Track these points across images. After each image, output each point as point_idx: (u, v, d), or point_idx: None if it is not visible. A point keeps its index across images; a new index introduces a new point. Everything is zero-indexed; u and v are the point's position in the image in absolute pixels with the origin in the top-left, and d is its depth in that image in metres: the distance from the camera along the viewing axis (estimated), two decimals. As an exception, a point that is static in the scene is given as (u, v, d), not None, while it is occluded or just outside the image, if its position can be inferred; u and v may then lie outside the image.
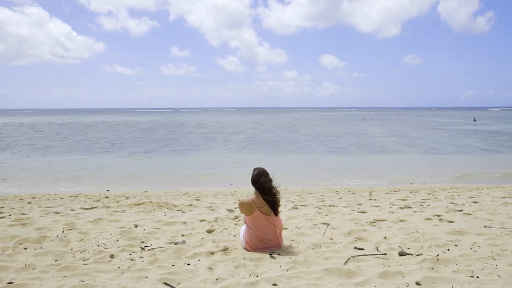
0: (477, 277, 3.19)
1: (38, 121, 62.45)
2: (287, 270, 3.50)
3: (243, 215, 4.51)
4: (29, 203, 8.72)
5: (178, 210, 7.55)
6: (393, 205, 7.71)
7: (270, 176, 4.33)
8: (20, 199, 9.49)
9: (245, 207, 4.24)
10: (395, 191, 10.49)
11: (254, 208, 4.21)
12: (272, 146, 25.26)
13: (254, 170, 4.35)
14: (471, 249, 4.11)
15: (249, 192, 10.36)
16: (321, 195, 9.85)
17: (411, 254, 3.92)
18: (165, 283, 3.11)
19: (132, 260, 3.91)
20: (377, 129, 42.95)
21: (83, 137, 32.26)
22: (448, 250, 4.10)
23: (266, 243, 4.24)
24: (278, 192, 4.33)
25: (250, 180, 4.36)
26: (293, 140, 29.15)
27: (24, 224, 5.71)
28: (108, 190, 11.63)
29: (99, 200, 9.36)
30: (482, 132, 36.01)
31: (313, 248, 4.29)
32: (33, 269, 3.58)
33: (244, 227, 4.42)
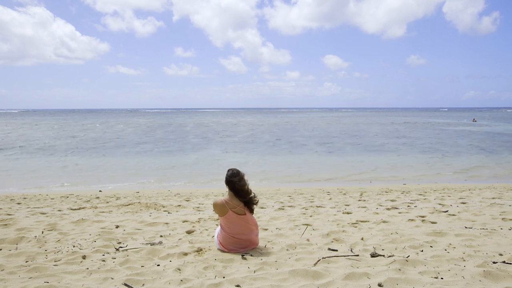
0: (442, 278, 3.16)
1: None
2: (254, 272, 3.49)
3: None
4: (18, 203, 8.75)
5: (165, 211, 7.55)
6: (381, 206, 7.68)
7: (245, 177, 4.32)
8: (11, 199, 9.52)
9: (218, 207, 4.24)
10: (386, 192, 10.46)
11: (227, 208, 4.20)
12: (269, 146, 25.27)
13: (228, 170, 4.34)
14: (445, 250, 4.08)
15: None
16: (311, 196, 9.83)
17: (383, 256, 3.90)
18: (125, 284, 3.11)
19: (104, 261, 3.90)
20: (377, 129, 42.87)
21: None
22: (422, 251, 4.08)
23: (240, 243, 4.23)
24: (252, 192, 4.31)
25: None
26: (291, 141, 29.14)
27: (6, 225, 5.71)
28: (100, 191, 11.66)
29: (89, 200, 9.38)
30: (481, 133, 35.88)
31: (287, 249, 4.28)
32: (1, 270, 3.58)
33: (218, 228, 4.42)
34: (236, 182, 4.20)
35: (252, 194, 4.29)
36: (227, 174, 4.30)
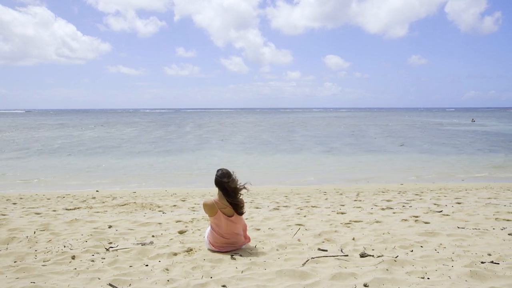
0: (428, 278, 3.16)
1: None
2: (241, 272, 3.49)
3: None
4: (14, 203, 8.75)
5: (160, 211, 7.54)
6: (376, 206, 7.67)
7: (234, 178, 4.31)
8: (7, 199, 9.52)
9: (208, 208, 4.23)
10: (383, 192, 10.44)
11: (216, 209, 4.19)
12: (269, 146, 25.26)
13: (217, 171, 4.33)
14: (435, 250, 4.07)
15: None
16: (308, 196, 9.81)
17: (372, 256, 3.89)
18: (110, 285, 3.11)
19: (93, 261, 3.90)
20: (376, 129, 42.84)
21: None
22: (412, 251, 4.07)
23: (229, 243, 4.22)
24: (242, 189, 4.28)
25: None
26: (291, 140, 29.12)
27: (-2, 225, 5.72)
28: (97, 191, 11.66)
29: (85, 200, 9.37)
30: (480, 132, 35.87)
31: (277, 250, 4.27)
32: (-11, 270, 3.58)
33: (209, 228, 4.41)
34: (225, 183, 4.19)
35: (240, 195, 4.25)
36: (216, 174, 4.29)
